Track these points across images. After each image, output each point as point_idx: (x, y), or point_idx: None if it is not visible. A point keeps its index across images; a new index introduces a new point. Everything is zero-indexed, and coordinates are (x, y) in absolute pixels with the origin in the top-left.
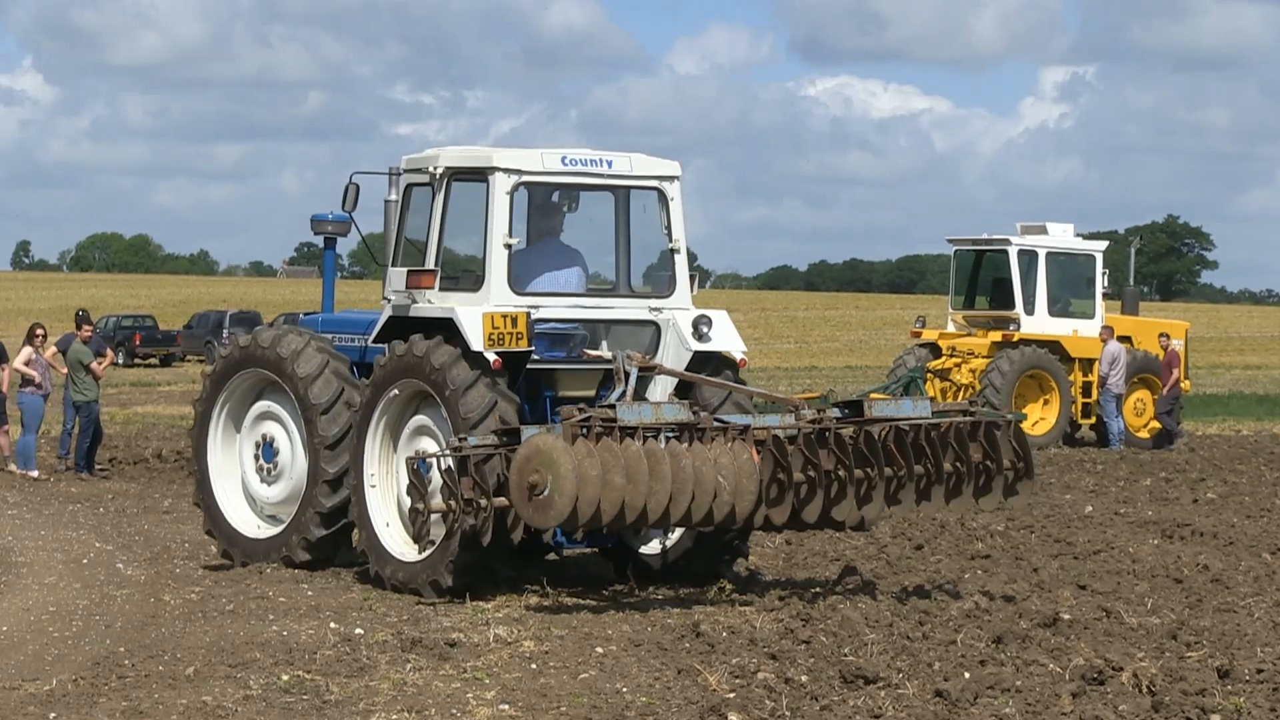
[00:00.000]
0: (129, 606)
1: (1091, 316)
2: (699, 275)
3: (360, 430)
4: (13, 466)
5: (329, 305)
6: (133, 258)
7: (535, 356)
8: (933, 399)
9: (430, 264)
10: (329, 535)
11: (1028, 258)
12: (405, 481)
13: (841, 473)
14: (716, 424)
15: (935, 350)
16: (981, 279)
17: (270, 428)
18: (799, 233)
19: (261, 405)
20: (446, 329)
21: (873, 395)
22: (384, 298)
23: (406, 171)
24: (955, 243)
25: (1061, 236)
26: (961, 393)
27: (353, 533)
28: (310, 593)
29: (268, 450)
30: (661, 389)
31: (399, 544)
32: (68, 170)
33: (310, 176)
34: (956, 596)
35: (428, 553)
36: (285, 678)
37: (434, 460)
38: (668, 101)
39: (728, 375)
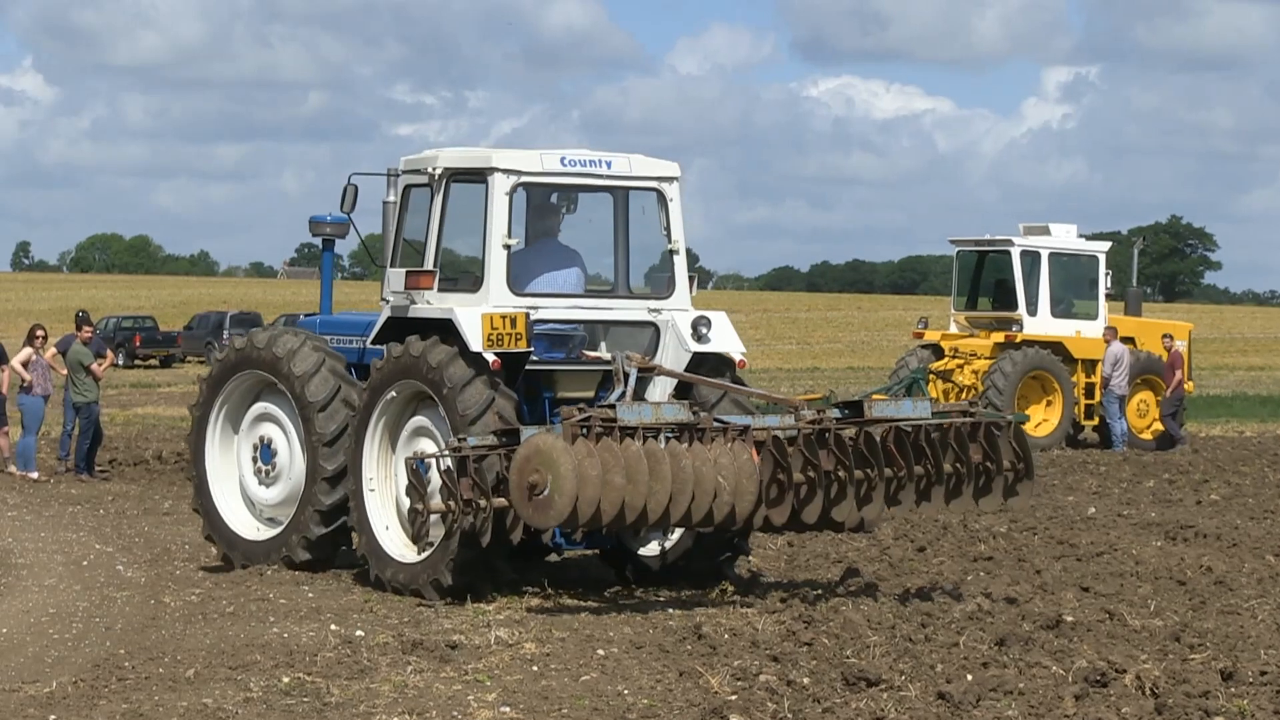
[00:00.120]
0: (129, 608)
1: (1094, 317)
2: (699, 276)
3: (358, 434)
4: (13, 468)
5: (327, 307)
6: (133, 258)
7: (534, 357)
8: (934, 400)
9: (429, 265)
10: (329, 533)
11: (1030, 258)
12: (404, 483)
13: (841, 473)
14: (716, 424)
15: (938, 351)
16: (984, 280)
17: (268, 429)
18: (801, 233)
19: (259, 407)
20: (445, 330)
21: (874, 396)
22: (382, 299)
23: (405, 173)
24: (958, 243)
25: (1064, 237)
26: (964, 394)
27: (353, 535)
28: (311, 595)
29: (265, 452)
30: (661, 390)
31: (399, 546)
32: (68, 171)
33: (311, 177)
34: (959, 598)
35: (427, 553)
36: (286, 680)
37: (433, 461)
38: (669, 102)
39: (727, 376)
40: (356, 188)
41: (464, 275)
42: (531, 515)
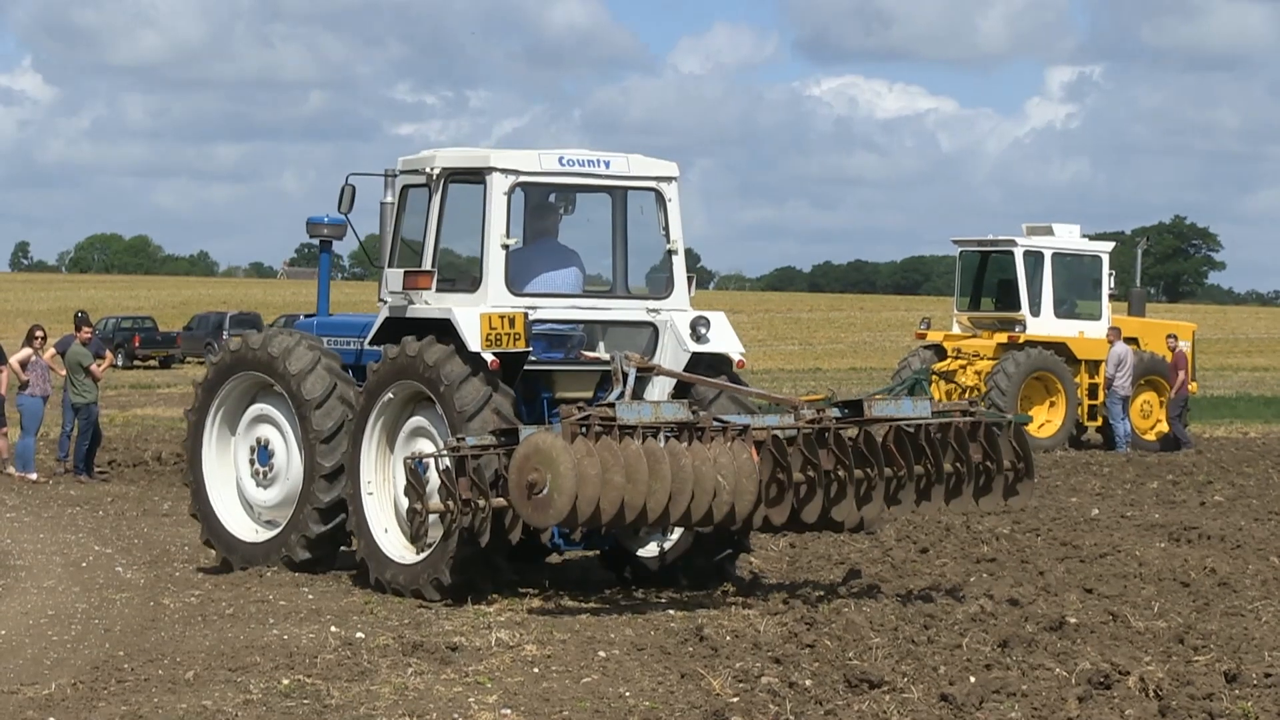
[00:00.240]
0: (128, 610)
1: (1098, 318)
2: (699, 276)
3: (356, 437)
4: (11, 469)
5: (324, 308)
6: (132, 259)
7: (533, 357)
8: (934, 400)
9: (427, 265)
10: (328, 531)
11: (1034, 259)
12: (403, 483)
13: (841, 473)
14: (716, 423)
15: (940, 352)
16: (987, 280)
17: (265, 431)
18: (803, 234)
19: (255, 409)
20: (444, 330)
21: (875, 398)
22: (380, 299)
23: (403, 173)
24: (960, 244)
25: (1068, 237)
26: (967, 395)
27: (352, 539)
28: (311, 596)
29: (263, 453)
30: (659, 390)
31: (398, 548)
32: (67, 171)
33: (311, 177)
34: (962, 600)
35: (426, 553)
36: (285, 682)
37: (431, 461)
38: (671, 101)
39: (724, 377)
40: (354, 188)
41: (462, 275)
42: (531, 514)
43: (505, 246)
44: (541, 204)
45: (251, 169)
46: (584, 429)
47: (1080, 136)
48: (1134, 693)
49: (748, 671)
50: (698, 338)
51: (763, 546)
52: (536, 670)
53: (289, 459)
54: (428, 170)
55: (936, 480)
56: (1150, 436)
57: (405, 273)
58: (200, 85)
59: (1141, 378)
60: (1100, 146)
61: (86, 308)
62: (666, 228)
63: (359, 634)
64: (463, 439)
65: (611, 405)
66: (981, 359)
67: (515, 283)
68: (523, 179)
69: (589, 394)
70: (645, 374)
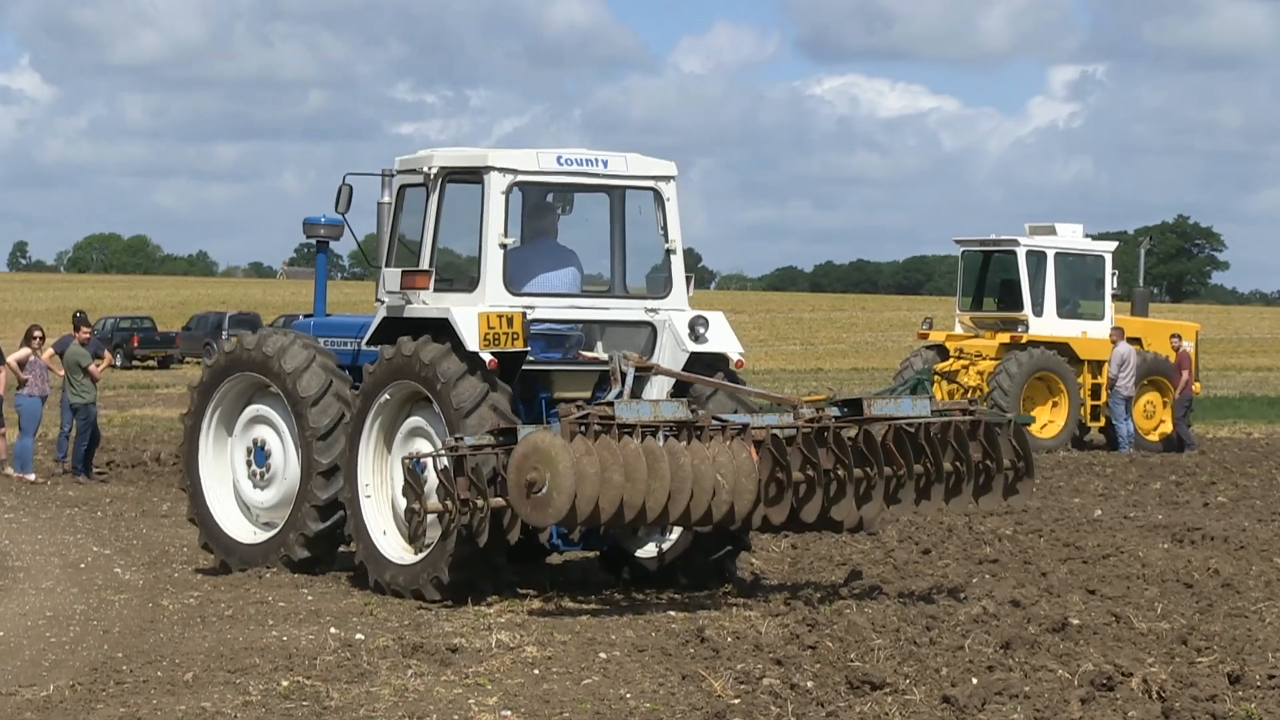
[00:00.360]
0: (127, 611)
1: (1101, 318)
2: (699, 276)
3: (353, 441)
4: (10, 470)
5: (321, 309)
6: (131, 259)
7: (531, 357)
8: (933, 399)
9: (425, 265)
10: (326, 529)
11: (1036, 258)
12: (401, 484)
13: (840, 472)
14: (715, 423)
15: (942, 352)
16: (989, 280)
17: (261, 432)
18: (805, 233)
19: (251, 410)
20: (442, 330)
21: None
22: (377, 299)
23: (400, 173)
24: (963, 243)
25: (1070, 237)
26: (969, 395)
27: (351, 542)
28: (310, 598)
29: (259, 455)
30: (658, 391)
31: (397, 550)
32: (65, 170)
33: (311, 176)
34: (964, 601)
35: (425, 554)
36: (285, 684)
37: (429, 461)
38: (672, 101)
39: (723, 377)
40: (351, 188)
41: (460, 275)
42: (530, 513)
43: (503, 246)
44: (539, 203)
45: (251, 169)
46: (583, 428)
47: (1083, 136)
48: (1137, 694)
49: (749, 673)
50: (696, 338)
51: (764, 547)
52: (537, 672)
53: (286, 459)
54: (425, 170)
55: (936, 479)
56: (1153, 437)
57: (403, 273)
58: (200, 85)
59: (1144, 378)
60: (1103, 146)
61: (85, 308)
62: (665, 227)
63: (359, 635)
64: (461, 438)
65: (610, 404)
66: (984, 359)
67: (513, 282)
68: (520, 178)
69: (587, 394)
70: (644, 374)
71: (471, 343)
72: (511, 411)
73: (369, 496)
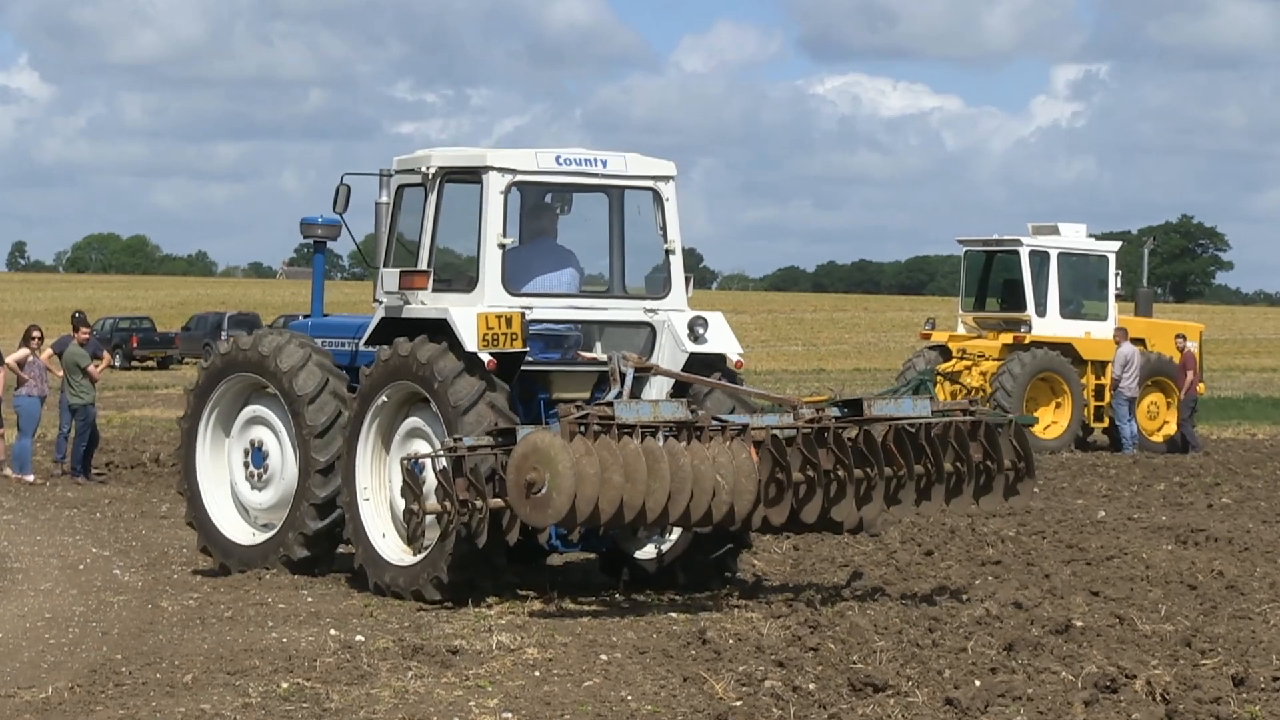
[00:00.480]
0: (126, 613)
1: (1104, 318)
2: (700, 276)
3: (351, 444)
4: (8, 471)
5: (318, 310)
6: (130, 259)
7: (530, 358)
8: (934, 399)
9: (423, 265)
10: (325, 527)
11: (1039, 258)
12: (399, 485)
13: (840, 472)
14: (715, 423)
15: (945, 353)
16: (992, 280)
17: (258, 432)
18: (807, 233)
19: (248, 411)
20: (440, 330)
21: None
22: (375, 300)
23: (398, 172)
24: (966, 243)
25: (1074, 237)
26: (972, 396)
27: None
28: (310, 599)
29: (257, 455)
30: (657, 391)
31: (396, 552)
32: (64, 170)
33: (311, 176)
34: (966, 603)
35: (424, 554)
36: (285, 685)
37: (428, 461)
38: (674, 100)
39: (722, 377)
40: (349, 188)
41: (459, 275)
42: (529, 514)
43: (502, 246)
44: (538, 203)
45: (251, 168)
46: (582, 428)
47: (1086, 135)
48: (1141, 696)
49: (750, 675)
50: (695, 338)
51: (765, 549)
52: (537, 673)
53: (283, 460)
54: (423, 170)
55: (937, 480)
56: (1157, 438)
57: (401, 273)
58: (199, 84)
59: (1148, 379)
60: (1106, 145)
61: (84, 308)
62: (664, 227)
63: (359, 637)
64: (459, 439)
65: (610, 404)
66: (987, 360)
67: (512, 282)
68: (519, 178)
69: (586, 394)
70: (643, 374)
71: (470, 343)
72: (509, 406)
73: (367, 499)
